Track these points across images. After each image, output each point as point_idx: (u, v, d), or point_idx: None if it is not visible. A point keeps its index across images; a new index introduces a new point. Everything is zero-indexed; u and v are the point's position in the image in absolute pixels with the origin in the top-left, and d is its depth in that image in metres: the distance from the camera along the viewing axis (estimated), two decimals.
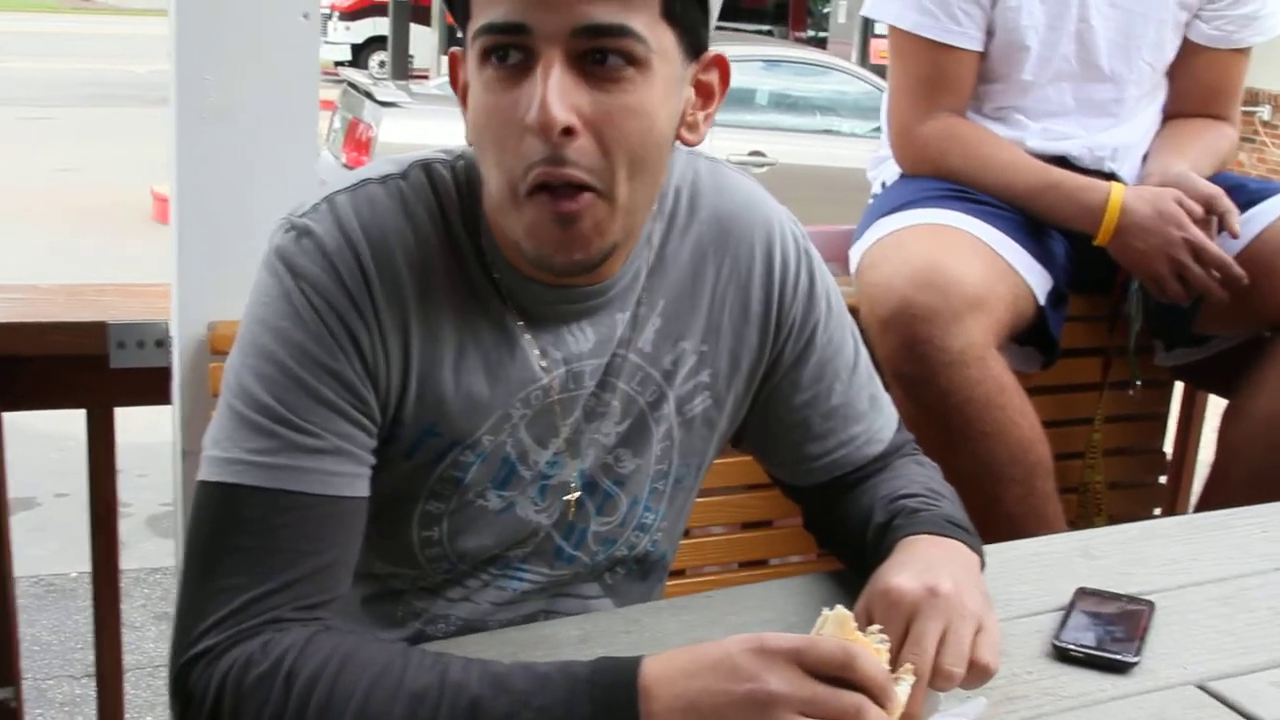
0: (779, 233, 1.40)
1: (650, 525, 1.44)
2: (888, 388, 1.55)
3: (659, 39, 1.14)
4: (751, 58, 9.44)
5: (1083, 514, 2.35)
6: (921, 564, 1.24)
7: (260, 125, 1.73)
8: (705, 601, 1.42)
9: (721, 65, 1.26)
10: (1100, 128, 2.31)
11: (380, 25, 17.38)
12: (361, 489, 1.20)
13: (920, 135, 2.26)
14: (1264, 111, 12.56)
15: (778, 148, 8.37)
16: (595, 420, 1.34)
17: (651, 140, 1.16)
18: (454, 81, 1.25)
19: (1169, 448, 2.66)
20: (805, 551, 2.27)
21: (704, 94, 1.25)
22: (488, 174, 1.19)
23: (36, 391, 1.94)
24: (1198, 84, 2.38)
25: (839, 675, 1.01)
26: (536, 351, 1.28)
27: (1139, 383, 2.35)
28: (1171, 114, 2.41)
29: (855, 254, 2.16)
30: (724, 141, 8.29)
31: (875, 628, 1.16)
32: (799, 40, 13.93)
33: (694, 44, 1.20)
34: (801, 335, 1.42)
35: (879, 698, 1.02)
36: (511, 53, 1.12)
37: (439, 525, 1.32)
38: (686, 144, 1.25)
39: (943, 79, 2.25)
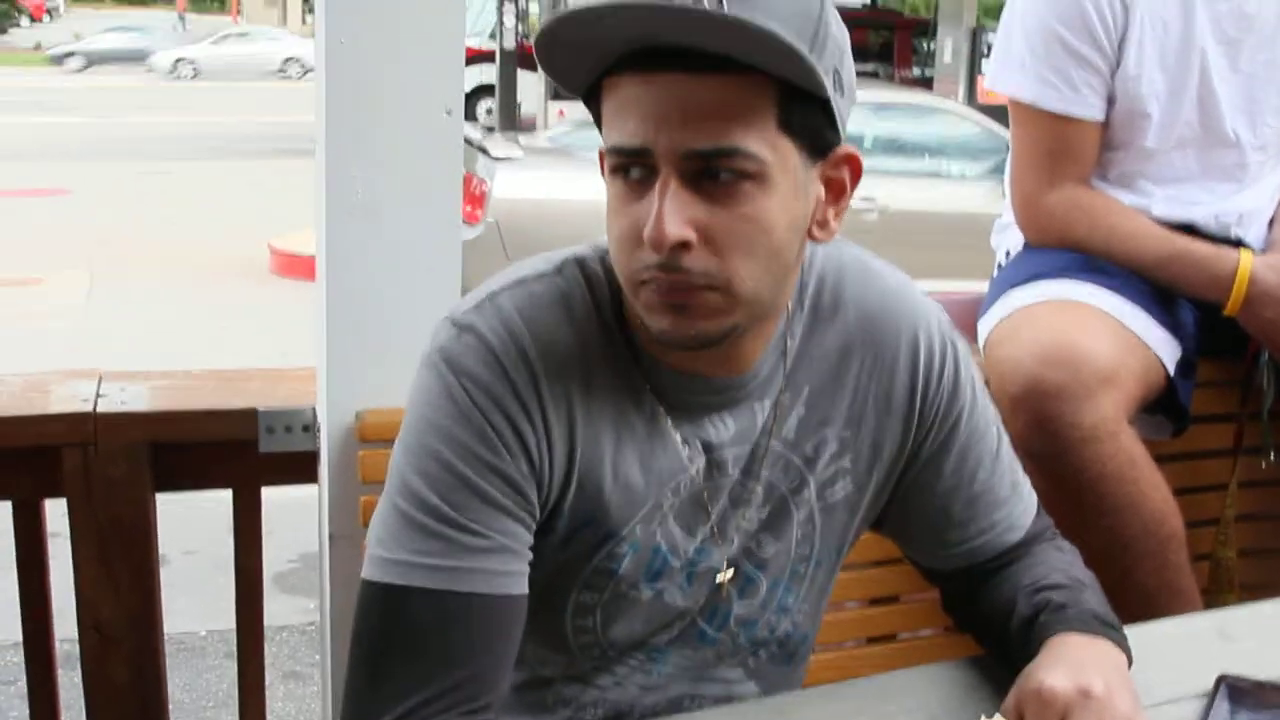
0: (924, 326, 1.42)
1: (791, 607, 1.46)
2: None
3: (777, 151, 1.18)
4: (859, 103, 9.43)
5: (1214, 586, 2.33)
6: (1073, 664, 1.25)
7: (405, 219, 1.78)
8: (850, 690, 1.43)
9: (853, 163, 1.28)
10: (1226, 192, 2.30)
11: (487, 73, 17.58)
12: (524, 586, 1.24)
13: (1045, 206, 2.27)
14: None
15: (888, 192, 8.34)
16: (740, 506, 1.37)
17: (772, 244, 1.20)
18: (602, 171, 1.29)
19: None
20: (934, 625, 2.27)
21: (835, 190, 1.28)
22: (617, 270, 1.24)
23: (188, 475, 2.01)
24: None
25: None
26: (682, 441, 1.31)
27: (1274, 455, 2.32)
28: None
29: (984, 327, 2.17)
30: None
31: None
32: (905, 80, 13.90)
33: (818, 146, 1.23)
34: (944, 426, 1.44)
35: None
36: (634, 170, 1.18)
37: (592, 615, 1.36)
38: (817, 240, 1.28)
39: (1066, 149, 2.25)
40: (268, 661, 3.96)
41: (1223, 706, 1.36)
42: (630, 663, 1.41)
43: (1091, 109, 2.23)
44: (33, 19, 49.15)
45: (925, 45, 17.04)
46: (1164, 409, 2.18)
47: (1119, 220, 2.23)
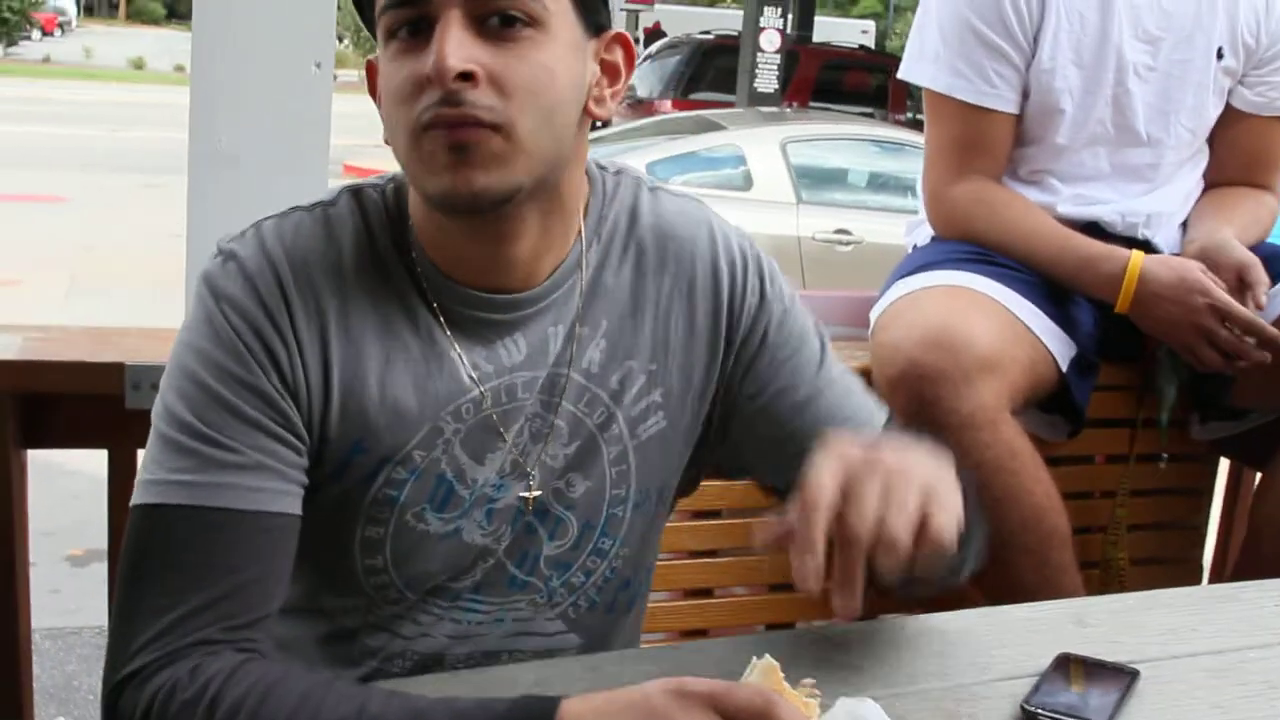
0: (722, 245, 1.41)
1: (608, 551, 1.41)
2: None
3: (558, 3, 1.20)
4: (842, 136, 9.48)
5: (1104, 590, 2.29)
6: (868, 440, 1.19)
7: (270, 169, 1.77)
8: (672, 653, 1.41)
9: (624, 44, 1.30)
10: (1136, 193, 2.28)
11: None
12: (289, 505, 1.22)
13: (950, 197, 2.25)
14: None
15: (864, 226, 8.35)
16: (542, 442, 1.34)
17: (554, 94, 1.20)
18: (372, 91, 1.29)
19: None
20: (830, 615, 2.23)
21: (610, 73, 1.30)
22: (396, 143, 1.22)
23: (58, 431, 1.98)
24: (1240, 151, 2.35)
25: None
26: (467, 363, 1.29)
27: (1166, 456, 2.29)
28: (1212, 182, 2.38)
29: (873, 315, 2.15)
30: (811, 219, 8.28)
31: (808, 681, 1.14)
32: (898, 122, 13.93)
33: (593, 21, 1.26)
34: (753, 341, 1.41)
35: None
36: (418, 25, 1.18)
37: (381, 552, 1.32)
38: (594, 118, 1.29)
39: (977, 141, 2.24)
40: None
41: (1055, 681, 1.33)
42: (434, 610, 1.37)
43: (1004, 101, 2.22)
44: (44, 32, 49.42)
45: (919, 90, 16.97)
46: (1060, 408, 2.16)
47: (1019, 215, 2.21)
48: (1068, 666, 1.37)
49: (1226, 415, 2.29)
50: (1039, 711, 1.27)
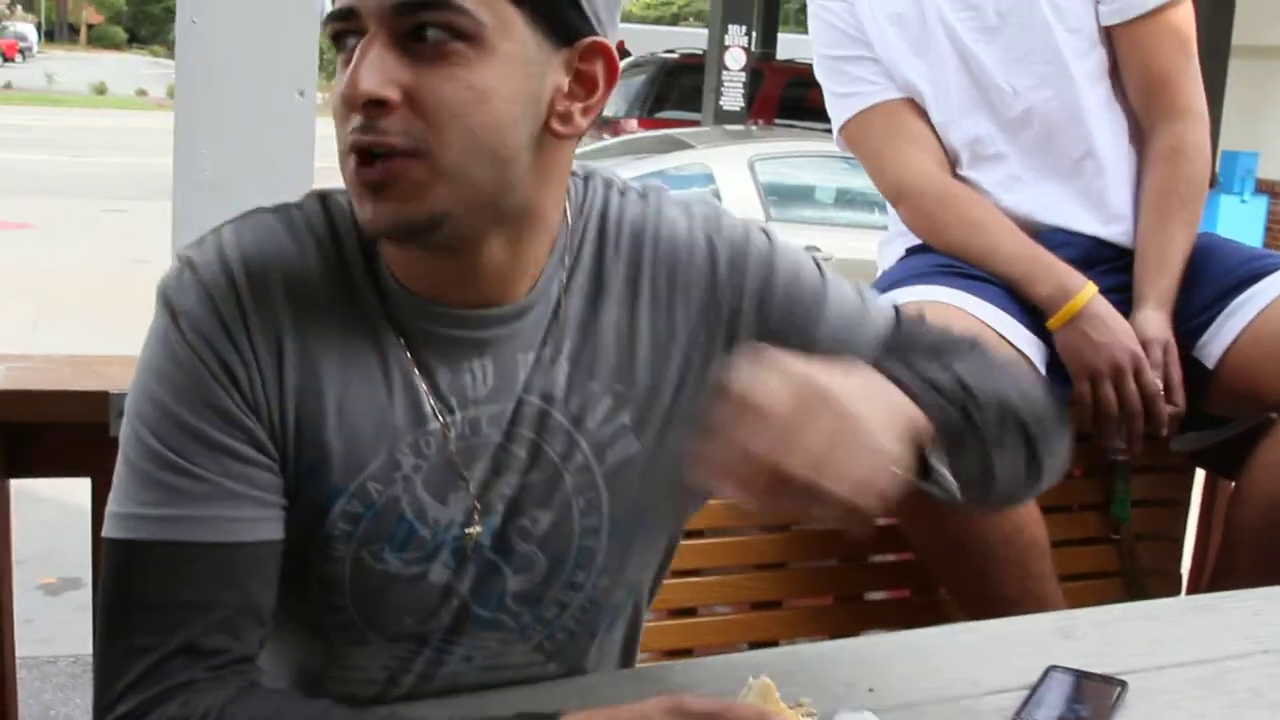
0: (682, 234, 1.31)
1: (583, 584, 1.31)
2: None
3: (498, 15, 1.10)
4: (809, 153, 9.50)
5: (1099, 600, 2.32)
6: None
7: (254, 197, 1.75)
8: (666, 672, 1.41)
9: (605, 54, 1.18)
10: (1029, 143, 2.30)
11: None
12: (267, 532, 1.17)
13: (914, 183, 2.30)
14: None
15: (834, 242, 8.37)
16: (504, 474, 1.25)
17: (484, 116, 1.11)
18: None
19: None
20: (822, 594, 2.28)
21: (586, 84, 1.19)
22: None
23: (42, 460, 1.97)
24: (1136, 77, 2.31)
25: None
26: (430, 393, 1.22)
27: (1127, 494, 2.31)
28: (1144, 130, 2.34)
29: None
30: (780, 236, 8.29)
31: (805, 700, 1.15)
32: None
33: (559, 28, 1.15)
34: (764, 333, 1.31)
35: None
36: (350, 38, 1.13)
37: (340, 591, 1.25)
38: (559, 136, 1.18)
39: (897, 133, 2.31)
40: None
41: (1046, 694, 1.35)
42: (400, 653, 1.29)
43: (890, 90, 2.31)
44: (5, 58, 49.17)
45: None
46: None
47: (982, 214, 2.26)
48: (1057, 679, 1.38)
49: (1204, 425, 2.30)
50: None
